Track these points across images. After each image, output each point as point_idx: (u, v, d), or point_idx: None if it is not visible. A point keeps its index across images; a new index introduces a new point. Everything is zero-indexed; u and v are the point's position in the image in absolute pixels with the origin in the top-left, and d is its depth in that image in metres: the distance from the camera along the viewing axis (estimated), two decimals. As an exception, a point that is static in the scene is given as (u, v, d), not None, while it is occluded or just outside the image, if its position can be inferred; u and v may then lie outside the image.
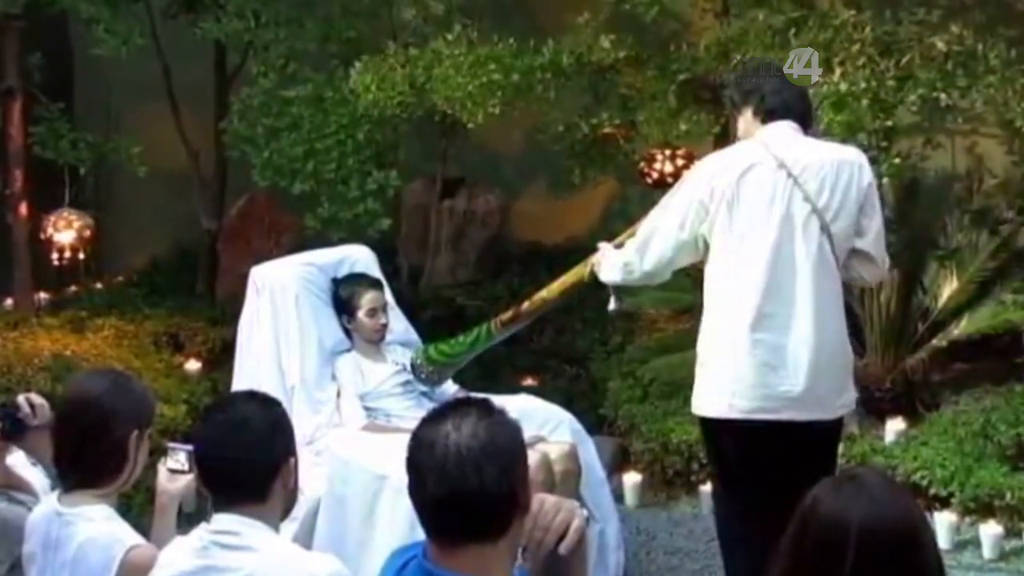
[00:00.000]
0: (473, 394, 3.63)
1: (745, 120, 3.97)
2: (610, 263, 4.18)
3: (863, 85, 5.20)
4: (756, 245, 3.78)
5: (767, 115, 3.89)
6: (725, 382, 3.85)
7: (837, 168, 3.81)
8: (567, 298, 4.69)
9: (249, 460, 2.65)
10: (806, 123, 3.97)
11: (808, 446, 3.82)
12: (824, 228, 3.78)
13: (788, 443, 3.79)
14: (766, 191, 3.77)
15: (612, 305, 4.35)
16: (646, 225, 4.03)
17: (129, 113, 7.88)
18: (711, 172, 3.88)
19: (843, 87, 5.18)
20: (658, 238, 3.95)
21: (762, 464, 3.82)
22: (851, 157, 3.90)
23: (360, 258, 5.21)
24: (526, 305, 4.69)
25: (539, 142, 6.76)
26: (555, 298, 4.63)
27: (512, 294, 7.25)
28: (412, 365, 4.86)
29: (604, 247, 4.30)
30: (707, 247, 3.89)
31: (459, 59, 5.95)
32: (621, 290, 4.33)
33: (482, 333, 4.77)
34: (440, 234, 7.49)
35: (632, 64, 6.22)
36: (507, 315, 4.74)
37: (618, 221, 7.73)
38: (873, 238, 3.90)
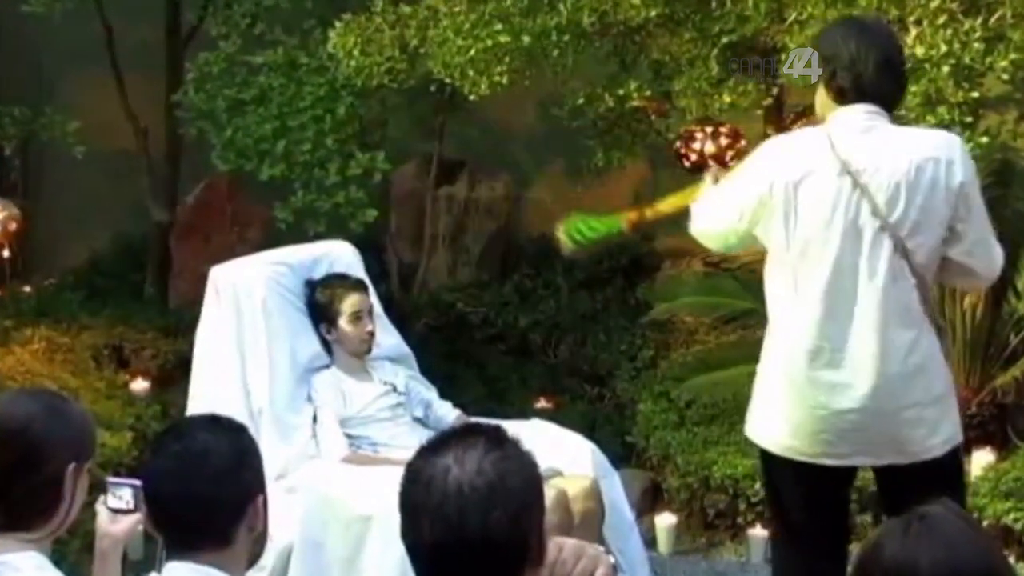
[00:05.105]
0: (479, 419, 3.64)
1: (820, 95, 3.92)
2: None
3: (944, 49, 5.19)
4: (814, 265, 3.79)
5: (838, 95, 3.84)
6: (782, 419, 3.89)
7: (916, 171, 3.74)
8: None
9: (210, 498, 2.65)
10: (891, 101, 3.89)
11: (893, 492, 3.87)
12: (899, 247, 3.75)
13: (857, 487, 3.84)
14: (826, 201, 3.75)
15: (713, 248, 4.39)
16: (708, 194, 4.06)
17: (64, 83, 7.89)
18: (773, 164, 3.87)
19: (920, 51, 5.18)
20: (714, 217, 4.00)
21: (826, 509, 3.85)
22: (936, 151, 3.79)
23: (340, 256, 5.22)
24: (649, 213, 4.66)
25: (555, 118, 6.77)
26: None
27: (522, 298, 7.28)
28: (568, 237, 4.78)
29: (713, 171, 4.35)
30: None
31: (459, 18, 5.95)
32: None
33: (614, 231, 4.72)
34: (437, 227, 7.50)
35: (666, 24, 6.21)
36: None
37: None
38: (969, 246, 3.84)
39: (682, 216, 4.31)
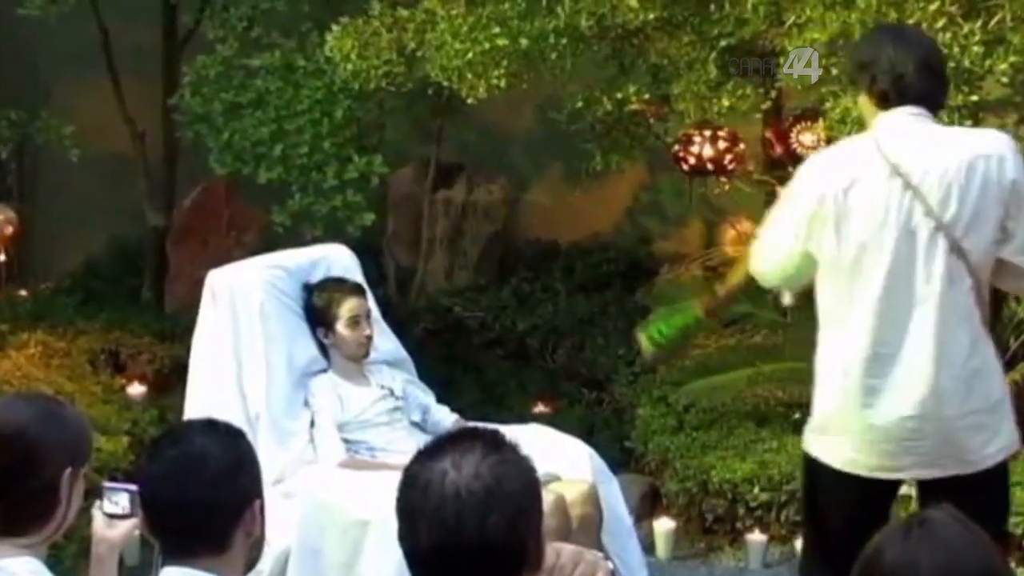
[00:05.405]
0: (476, 424, 3.64)
1: (861, 104, 3.93)
2: None
3: (943, 52, 5.19)
4: (868, 270, 3.76)
5: (880, 100, 3.82)
6: (840, 431, 3.87)
7: (968, 168, 3.72)
8: None
9: (207, 503, 2.65)
10: (934, 102, 3.88)
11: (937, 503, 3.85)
12: (954, 247, 3.72)
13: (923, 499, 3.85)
14: (877, 206, 3.73)
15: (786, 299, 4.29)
16: (768, 221, 4.03)
17: (60, 86, 7.89)
18: (819, 177, 3.86)
19: (919, 54, 5.17)
20: (771, 249, 3.99)
21: (872, 526, 3.84)
22: (987, 148, 3.78)
23: (338, 260, 5.22)
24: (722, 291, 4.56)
25: (553, 121, 6.76)
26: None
27: (520, 301, 7.28)
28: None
29: None
30: None
31: (456, 21, 5.95)
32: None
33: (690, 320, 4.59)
34: (434, 231, 7.51)
35: (664, 28, 6.21)
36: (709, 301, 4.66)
37: (648, 215, 7.77)
38: (1021, 245, 3.80)
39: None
